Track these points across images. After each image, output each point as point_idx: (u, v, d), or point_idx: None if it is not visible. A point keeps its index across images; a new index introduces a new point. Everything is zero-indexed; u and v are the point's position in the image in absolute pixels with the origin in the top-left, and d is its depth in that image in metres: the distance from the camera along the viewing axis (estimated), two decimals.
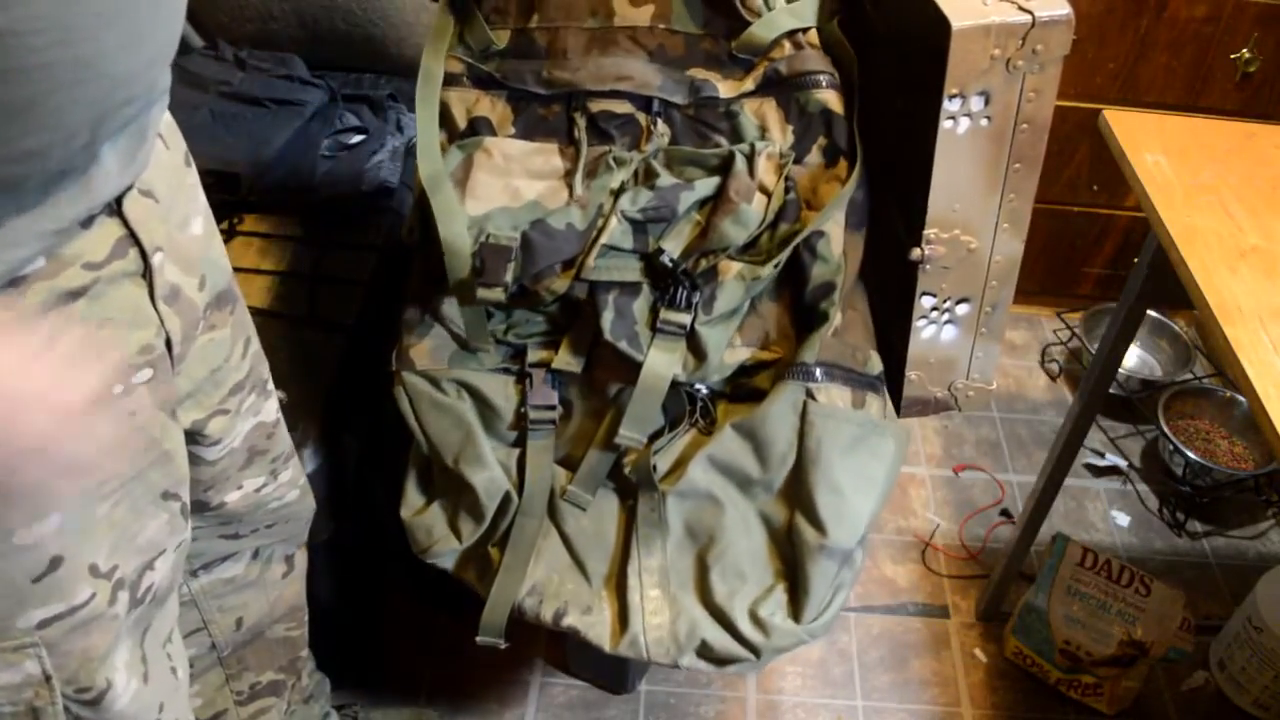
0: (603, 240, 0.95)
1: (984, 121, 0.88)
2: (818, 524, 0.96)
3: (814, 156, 1.00)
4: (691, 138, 1.01)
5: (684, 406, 1.01)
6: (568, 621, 1.00)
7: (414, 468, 1.06)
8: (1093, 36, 1.79)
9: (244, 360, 0.85)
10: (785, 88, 1.00)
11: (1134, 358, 2.09)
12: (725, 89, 1.01)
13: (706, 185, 0.97)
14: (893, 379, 1.06)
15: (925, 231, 0.94)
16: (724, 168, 0.98)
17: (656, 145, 1.00)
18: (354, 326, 1.33)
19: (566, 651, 1.53)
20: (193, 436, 0.80)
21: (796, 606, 0.98)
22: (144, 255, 0.66)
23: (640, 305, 0.98)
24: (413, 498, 1.06)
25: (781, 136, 1.00)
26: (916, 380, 1.05)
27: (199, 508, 0.88)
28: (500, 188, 0.98)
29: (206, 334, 0.77)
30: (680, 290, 0.96)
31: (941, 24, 0.83)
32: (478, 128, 1.01)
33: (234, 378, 0.83)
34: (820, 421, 0.96)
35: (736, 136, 1.00)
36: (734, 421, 0.98)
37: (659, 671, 1.52)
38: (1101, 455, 1.94)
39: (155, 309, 0.68)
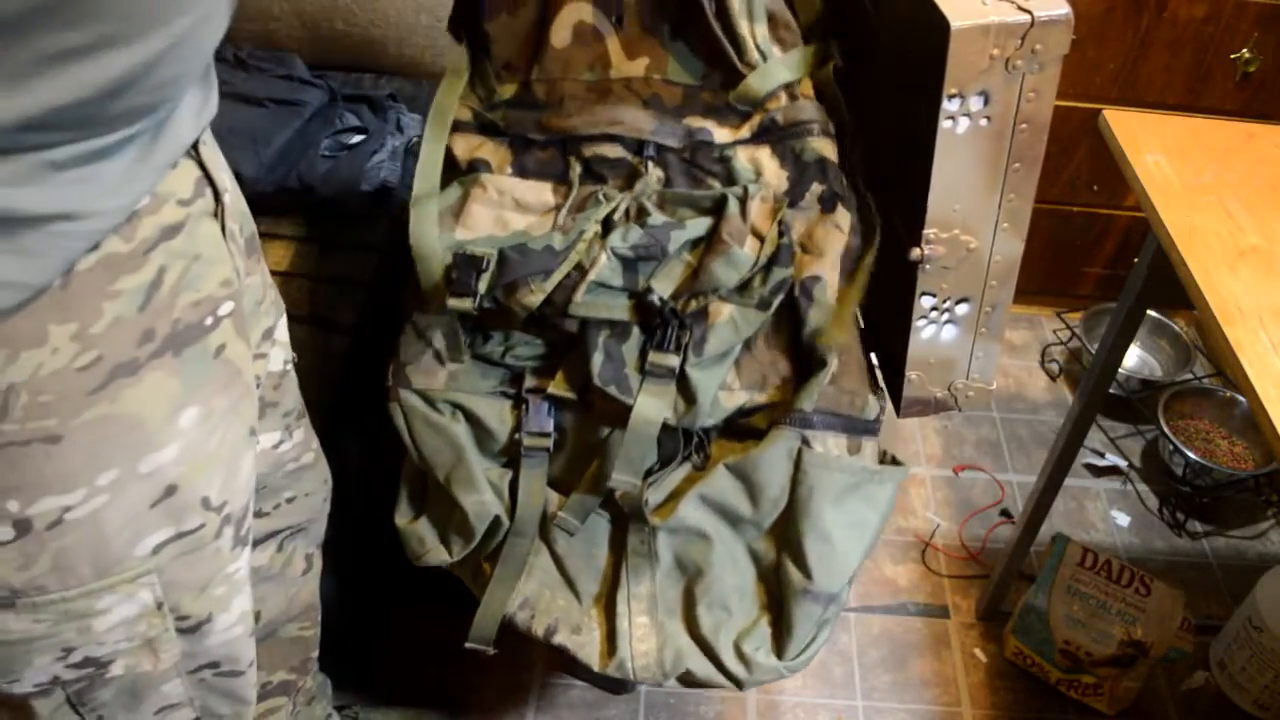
0: (591, 276, 0.93)
1: (983, 121, 0.88)
2: (805, 570, 0.97)
3: (810, 202, 0.99)
4: (685, 180, 1.00)
5: (679, 443, 1.00)
6: (558, 639, 1.02)
7: (406, 481, 1.07)
8: (1093, 36, 1.79)
9: (271, 307, 0.89)
10: (781, 135, 0.99)
11: (1134, 358, 2.09)
12: (721, 134, 1.00)
13: (698, 225, 0.96)
14: (893, 379, 1.06)
15: (925, 231, 0.94)
16: (716, 209, 0.97)
17: (647, 186, 0.98)
18: (354, 327, 1.33)
19: None
20: None
21: (780, 644, 1.00)
22: (217, 195, 0.70)
23: (629, 347, 0.97)
24: (405, 508, 1.07)
25: (776, 181, 0.99)
26: (916, 380, 1.05)
27: None
28: (492, 219, 0.98)
29: (248, 277, 0.81)
30: (669, 331, 0.95)
31: (940, 24, 0.83)
32: (477, 167, 1.02)
33: (264, 323, 0.87)
34: (814, 471, 0.96)
35: (730, 180, 0.99)
36: (728, 462, 0.97)
37: None
38: (1101, 455, 1.94)
39: (228, 246, 0.72)
